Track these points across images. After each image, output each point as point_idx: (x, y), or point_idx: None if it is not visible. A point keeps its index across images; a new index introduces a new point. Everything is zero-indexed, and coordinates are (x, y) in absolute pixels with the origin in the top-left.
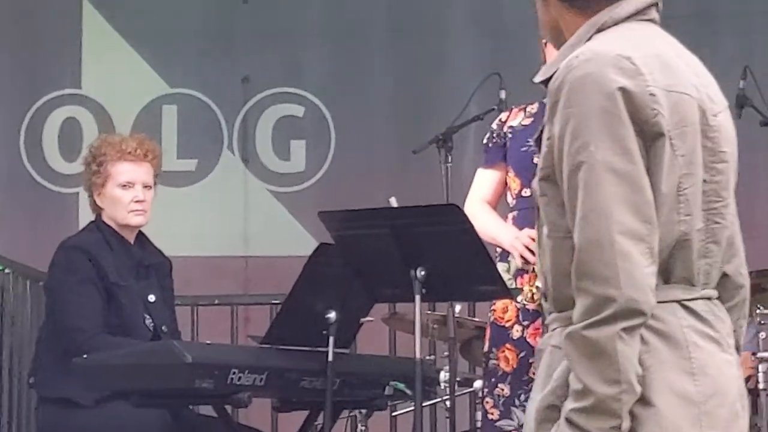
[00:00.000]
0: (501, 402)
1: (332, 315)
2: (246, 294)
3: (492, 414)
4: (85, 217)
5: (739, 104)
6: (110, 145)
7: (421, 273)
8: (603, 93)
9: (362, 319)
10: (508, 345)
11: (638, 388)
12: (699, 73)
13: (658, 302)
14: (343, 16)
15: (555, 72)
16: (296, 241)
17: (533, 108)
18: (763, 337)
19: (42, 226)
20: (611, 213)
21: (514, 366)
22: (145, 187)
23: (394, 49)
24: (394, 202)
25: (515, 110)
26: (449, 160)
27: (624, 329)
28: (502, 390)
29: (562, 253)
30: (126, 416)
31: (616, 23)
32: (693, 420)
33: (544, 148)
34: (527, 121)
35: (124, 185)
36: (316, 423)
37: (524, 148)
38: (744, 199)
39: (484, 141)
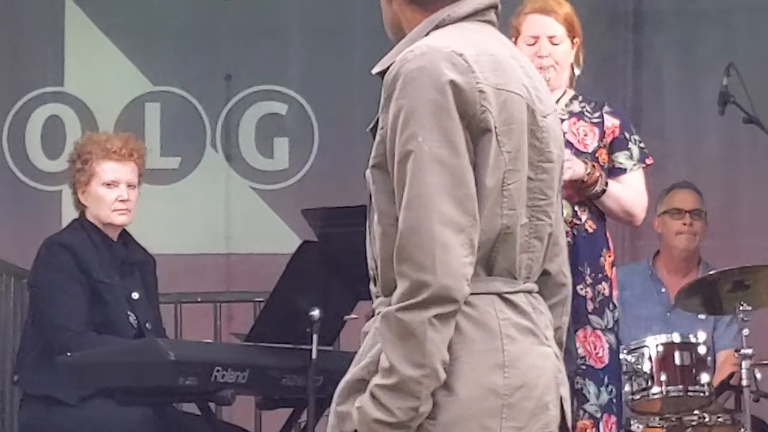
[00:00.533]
0: None
1: (316, 312)
2: (229, 291)
3: None
4: (69, 215)
5: (722, 101)
6: (95, 144)
7: None
8: (434, 86)
9: (346, 317)
10: None
11: (442, 375)
12: (532, 76)
13: (479, 293)
14: (326, 14)
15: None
16: (280, 238)
17: None
18: (746, 334)
19: (25, 224)
20: (433, 202)
21: None
22: (129, 186)
23: (377, 47)
24: None
25: None
26: None
27: (436, 316)
28: None
29: (390, 240)
30: (110, 414)
31: (453, 22)
32: (494, 411)
33: (377, 137)
34: None
35: (109, 184)
36: (300, 420)
37: None
38: (727, 196)
39: None
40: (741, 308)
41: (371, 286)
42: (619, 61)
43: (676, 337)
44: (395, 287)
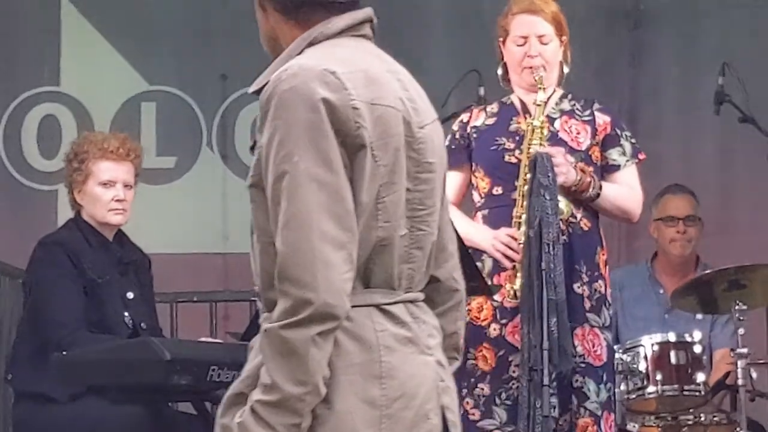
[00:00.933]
0: (482, 402)
1: None
2: (225, 291)
3: (473, 414)
4: (64, 214)
5: (718, 100)
6: (92, 143)
7: None
8: (308, 106)
9: None
10: (485, 344)
11: (323, 390)
12: (408, 88)
13: (356, 306)
14: None
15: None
16: None
17: (494, 108)
18: (742, 333)
19: (21, 224)
20: (312, 221)
21: (493, 365)
22: (126, 186)
23: None
24: None
25: (476, 111)
26: None
27: (318, 333)
28: (482, 389)
29: (269, 258)
30: (103, 412)
31: (328, 38)
32: (373, 422)
33: (254, 157)
34: (491, 121)
35: (105, 183)
36: None
37: (493, 147)
38: (723, 195)
39: (447, 143)
40: (737, 307)
41: (257, 301)
42: (617, 60)
43: (672, 337)
44: (276, 304)
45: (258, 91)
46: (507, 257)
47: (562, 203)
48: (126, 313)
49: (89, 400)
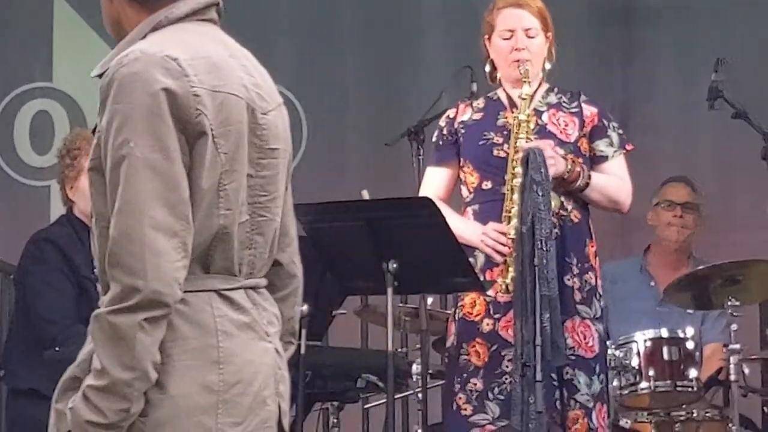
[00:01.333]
0: (474, 397)
1: (304, 308)
2: None
3: (465, 410)
4: (57, 210)
5: (711, 96)
6: (85, 139)
7: (393, 265)
8: (147, 92)
9: (334, 312)
10: (478, 339)
11: (153, 376)
12: (252, 73)
13: (196, 291)
14: (315, 10)
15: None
16: None
17: (480, 103)
18: (735, 329)
19: (13, 219)
20: (145, 207)
21: (486, 360)
22: None
23: (365, 42)
24: (366, 195)
25: (462, 106)
26: (421, 153)
27: (146, 319)
28: (475, 384)
29: (105, 242)
30: None
31: (171, 23)
32: (209, 407)
33: (94, 141)
34: (478, 116)
35: None
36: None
37: (482, 142)
38: (719, 191)
39: (434, 139)
40: (730, 303)
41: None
42: (612, 57)
43: (665, 332)
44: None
45: (101, 75)
46: (497, 252)
47: (552, 196)
48: None
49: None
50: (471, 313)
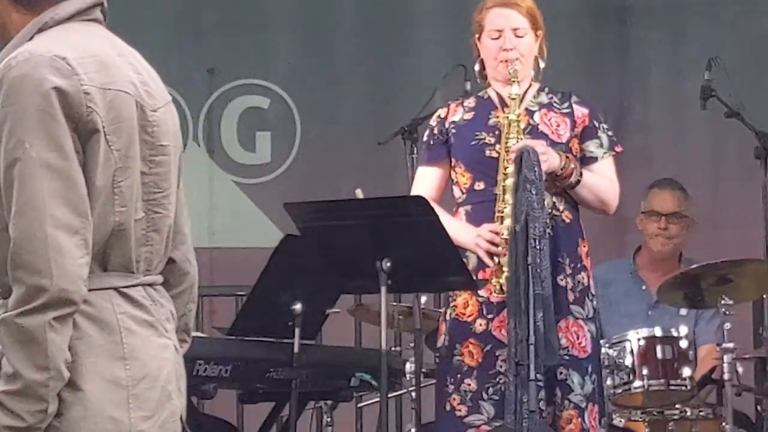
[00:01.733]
0: (468, 397)
1: (298, 306)
2: (211, 285)
3: (460, 410)
4: None
5: (704, 95)
6: None
7: (386, 264)
8: (38, 92)
9: (328, 311)
10: (471, 340)
11: (66, 374)
12: (140, 71)
13: (95, 289)
14: (309, 8)
15: None
16: (262, 232)
17: (471, 102)
18: (728, 327)
19: None
20: (45, 207)
21: (479, 360)
22: None
23: (359, 41)
24: (359, 194)
25: (453, 106)
26: (415, 152)
27: (55, 318)
28: (469, 385)
29: (3, 245)
30: None
31: (57, 23)
32: (120, 402)
33: None
34: (469, 116)
35: None
36: (282, 414)
37: (474, 142)
38: (712, 190)
39: (425, 139)
40: (723, 302)
41: None
42: (606, 56)
43: (658, 332)
44: (11, 291)
45: None
46: (490, 254)
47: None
48: None
49: None
50: (464, 314)
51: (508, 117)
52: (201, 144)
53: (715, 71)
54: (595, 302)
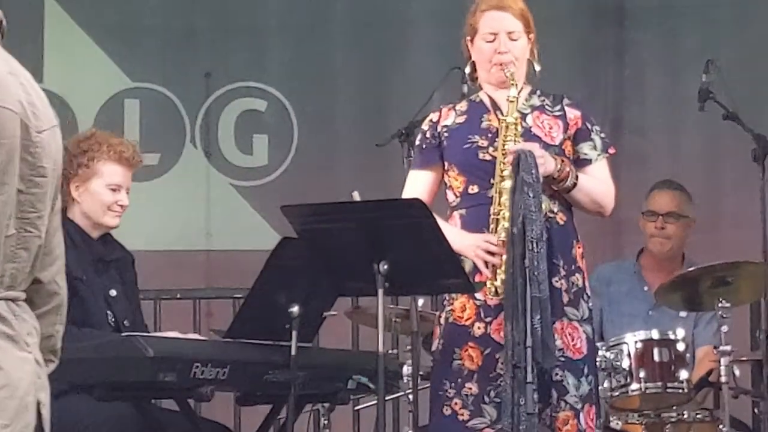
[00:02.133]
0: (470, 401)
1: (295, 309)
2: (208, 288)
3: (462, 415)
4: None
5: (702, 98)
6: (108, 145)
7: (384, 267)
8: None
9: (325, 313)
10: (470, 343)
11: None
12: (30, 92)
13: None
14: (306, 11)
15: None
16: (259, 235)
17: (463, 106)
18: (725, 330)
19: None
20: None
21: (480, 363)
22: (127, 191)
23: (356, 43)
24: (356, 196)
25: (445, 110)
26: (412, 155)
27: None
28: (470, 389)
29: None
30: (87, 409)
31: None
32: None
33: None
34: (461, 119)
35: (113, 187)
36: (279, 417)
37: (467, 146)
38: (709, 192)
39: (417, 143)
40: (721, 305)
41: None
42: (602, 57)
43: (655, 334)
44: None
45: None
46: (487, 264)
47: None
48: (109, 311)
49: (72, 398)
50: (461, 317)
51: (506, 119)
52: (198, 147)
53: (712, 73)
54: (590, 303)
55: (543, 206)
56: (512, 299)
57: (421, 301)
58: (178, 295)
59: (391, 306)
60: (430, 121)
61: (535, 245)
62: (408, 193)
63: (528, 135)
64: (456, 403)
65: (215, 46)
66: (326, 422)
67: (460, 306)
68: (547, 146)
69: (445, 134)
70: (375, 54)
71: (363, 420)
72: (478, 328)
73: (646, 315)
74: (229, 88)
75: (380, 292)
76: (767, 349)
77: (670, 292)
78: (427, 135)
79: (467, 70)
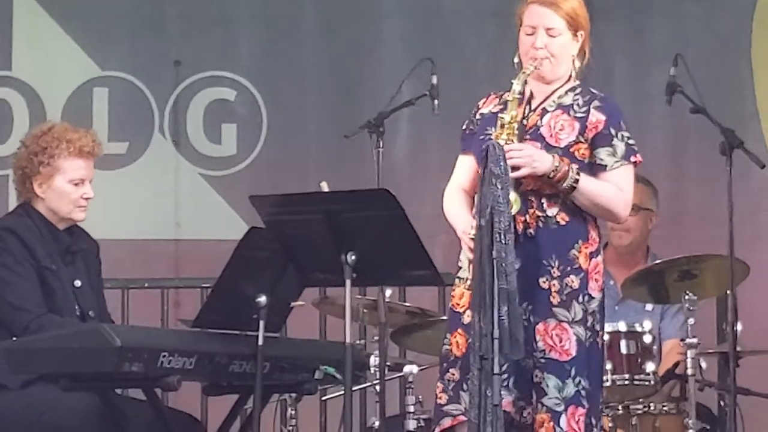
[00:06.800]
0: (451, 387)
1: (262, 299)
2: (176, 278)
3: (440, 398)
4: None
5: (670, 91)
6: (66, 141)
7: (351, 257)
8: None
9: (292, 303)
10: (459, 330)
11: None
12: None
13: None
14: (276, 1)
15: None
16: (227, 224)
17: (508, 95)
18: (692, 323)
19: None
20: None
21: (464, 351)
22: (91, 182)
23: (326, 34)
24: (325, 187)
25: (492, 96)
26: (381, 145)
27: None
28: (453, 375)
29: None
30: (54, 399)
31: None
32: None
33: None
34: (496, 109)
35: (77, 182)
36: (246, 407)
37: (482, 137)
38: (675, 186)
39: (462, 127)
40: (687, 297)
41: None
42: None
43: (622, 326)
44: None
45: None
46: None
47: (512, 196)
48: (74, 302)
49: (40, 387)
50: (458, 304)
51: (503, 118)
52: (167, 136)
53: (681, 67)
54: (591, 305)
55: (517, 208)
56: (480, 291)
57: (388, 292)
58: (146, 285)
59: (359, 296)
60: (476, 106)
61: (502, 237)
62: (453, 176)
63: (535, 134)
64: (438, 386)
65: (185, 35)
66: (293, 412)
67: (459, 293)
68: (549, 147)
69: (478, 122)
70: (345, 45)
71: (330, 410)
72: (468, 315)
73: (612, 310)
74: (199, 77)
75: (348, 282)
76: (733, 341)
77: (636, 286)
78: (470, 120)
79: (515, 59)
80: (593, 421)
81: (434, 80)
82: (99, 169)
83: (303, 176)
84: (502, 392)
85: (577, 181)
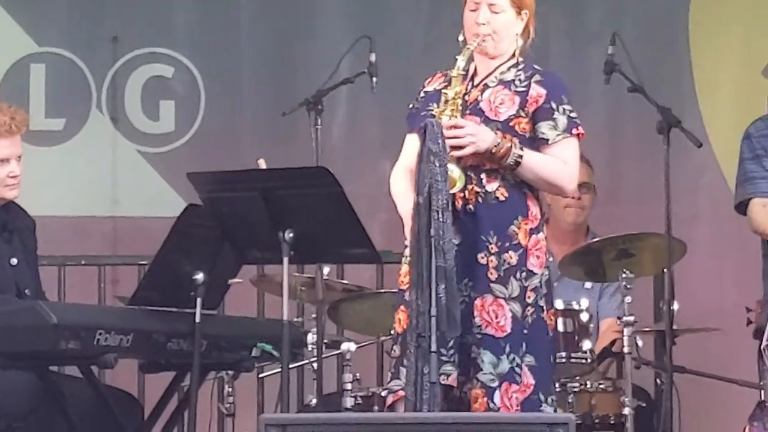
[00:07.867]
0: (393, 363)
1: (200, 276)
2: (114, 255)
3: (387, 377)
4: None
5: (608, 70)
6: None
7: (289, 235)
8: None
9: (230, 281)
10: (402, 307)
11: None
12: None
13: None
14: None
15: None
16: (165, 201)
17: (453, 72)
18: (629, 301)
19: None
20: None
21: (405, 327)
22: (18, 159)
23: (264, 10)
24: (263, 164)
25: (438, 75)
26: (319, 123)
27: None
28: (395, 351)
29: None
30: None
31: None
32: None
33: None
34: (441, 86)
35: (1, 161)
36: (183, 384)
37: (424, 113)
38: (612, 165)
39: (409, 106)
40: (624, 276)
41: None
42: None
43: (559, 304)
44: None
45: None
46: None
47: (456, 172)
48: (12, 280)
49: None
50: (403, 282)
51: (446, 94)
52: (105, 113)
53: (618, 46)
54: (532, 281)
55: (460, 184)
56: (417, 268)
57: (326, 270)
58: (83, 262)
59: (297, 274)
60: (423, 84)
61: (440, 215)
62: (401, 156)
63: (474, 109)
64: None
65: (123, 11)
66: (230, 390)
67: (404, 271)
68: (488, 121)
69: (423, 99)
70: (283, 21)
71: (267, 388)
72: (410, 293)
73: None
74: (137, 53)
75: (285, 260)
76: (670, 320)
77: (573, 264)
78: (416, 99)
79: (460, 37)
80: (542, 397)
81: (372, 58)
82: (36, 146)
83: (241, 153)
84: (449, 368)
85: (521, 156)
